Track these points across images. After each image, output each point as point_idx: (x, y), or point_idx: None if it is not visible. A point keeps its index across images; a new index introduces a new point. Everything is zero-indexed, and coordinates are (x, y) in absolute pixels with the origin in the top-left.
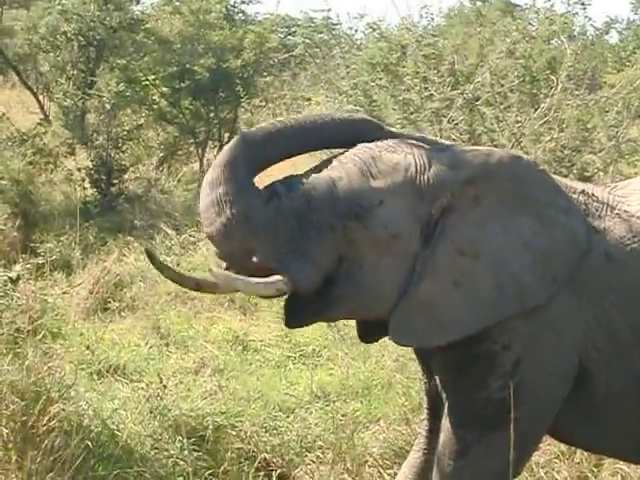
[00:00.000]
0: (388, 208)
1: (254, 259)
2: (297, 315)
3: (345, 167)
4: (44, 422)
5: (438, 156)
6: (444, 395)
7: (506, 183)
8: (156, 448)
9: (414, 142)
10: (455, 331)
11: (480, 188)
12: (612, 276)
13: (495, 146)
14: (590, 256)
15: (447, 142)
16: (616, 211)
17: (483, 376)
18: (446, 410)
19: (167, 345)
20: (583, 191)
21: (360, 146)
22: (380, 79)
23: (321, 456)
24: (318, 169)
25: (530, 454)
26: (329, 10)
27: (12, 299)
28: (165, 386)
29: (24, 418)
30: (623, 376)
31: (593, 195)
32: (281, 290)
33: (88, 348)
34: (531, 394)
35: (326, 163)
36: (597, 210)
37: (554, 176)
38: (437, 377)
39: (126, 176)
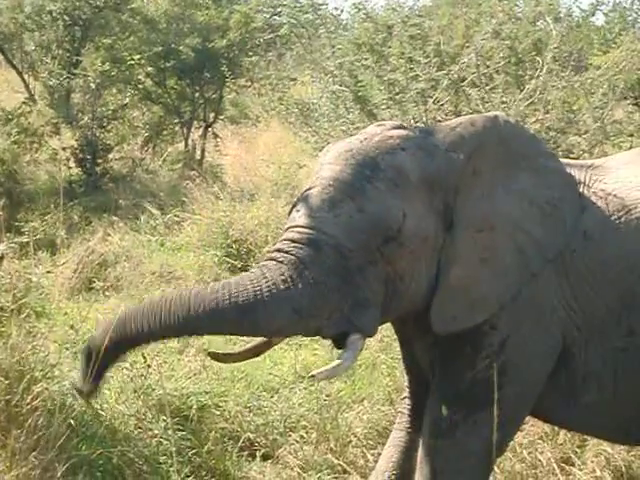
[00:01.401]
0: (412, 217)
1: (324, 335)
2: (373, 331)
3: (354, 191)
4: (28, 401)
5: (432, 143)
6: (431, 375)
7: (496, 147)
8: (140, 427)
9: (401, 135)
10: (491, 303)
11: (475, 161)
12: (590, 255)
13: None
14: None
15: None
16: (592, 189)
17: (470, 356)
18: (432, 389)
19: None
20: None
21: (355, 147)
22: (366, 59)
23: (305, 436)
24: (325, 203)
25: (514, 433)
26: None
27: None
28: (149, 366)
29: (8, 397)
30: (601, 355)
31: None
32: (361, 348)
33: (72, 327)
34: (516, 373)
35: (331, 190)
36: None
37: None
38: (423, 357)
39: (111, 156)
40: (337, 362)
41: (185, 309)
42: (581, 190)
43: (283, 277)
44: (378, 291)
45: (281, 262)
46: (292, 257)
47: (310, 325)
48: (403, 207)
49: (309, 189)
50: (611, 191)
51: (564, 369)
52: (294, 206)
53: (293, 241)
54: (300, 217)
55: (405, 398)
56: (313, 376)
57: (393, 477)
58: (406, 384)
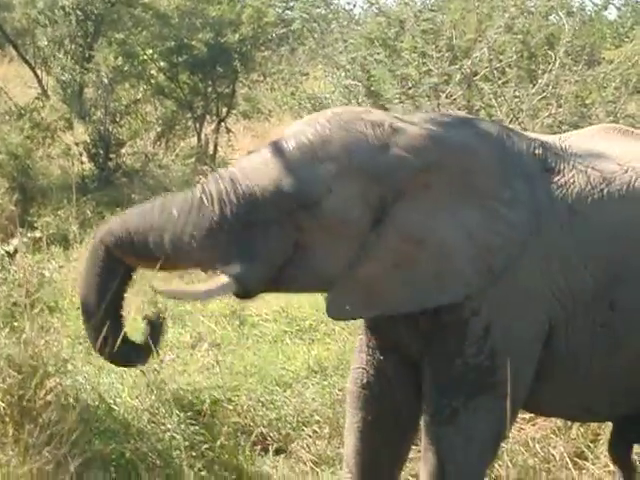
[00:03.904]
0: (337, 195)
1: (202, 268)
2: (251, 284)
3: (292, 154)
4: (41, 396)
5: (394, 139)
6: (421, 364)
7: (456, 174)
8: (153, 422)
9: (372, 121)
10: (385, 308)
11: (431, 177)
12: (577, 230)
13: (493, 121)
14: (555, 212)
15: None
16: (572, 164)
17: (457, 343)
18: (427, 377)
19: (164, 319)
20: (542, 144)
21: (313, 121)
22: (378, 54)
23: (318, 431)
24: (267, 154)
25: (515, 415)
26: None
27: (9, 273)
28: (162, 360)
29: (21, 392)
30: (581, 333)
31: (550, 149)
32: (230, 292)
33: None
34: (507, 357)
35: (281, 147)
36: (556, 165)
37: (513, 130)
38: (410, 346)
39: (124, 150)
40: (189, 288)
41: None
42: (563, 166)
43: (190, 202)
44: (275, 251)
45: (192, 194)
46: (205, 191)
47: (192, 255)
48: (331, 184)
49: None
50: (589, 164)
51: (547, 349)
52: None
53: (221, 176)
54: (243, 159)
55: (359, 369)
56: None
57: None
58: (362, 352)
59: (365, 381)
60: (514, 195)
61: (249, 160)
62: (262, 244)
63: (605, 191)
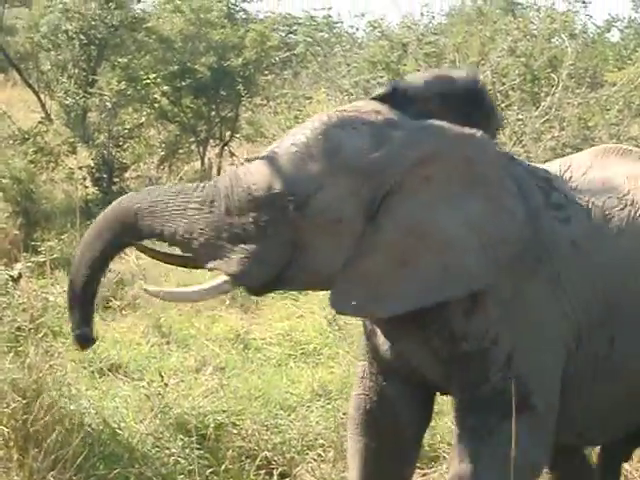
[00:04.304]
0: (327, 193)
1: (200, 264)
2: (250, 283)
3: (286, 153)
4: (45, 420)
5: (390, 133)
6: (444, 386)
7: (457, 164)
8: (157, 446)
9: (368, 117)
10: (394, 305)
11: (431, 168)
12: (580, 264)
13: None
14: (559, 245)
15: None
16: (576, 198)
17: (481, 372)
18: (457, 402)
19: (168, 343)
20: (545, 179)
21: (312, 121)
22: (381, 77)
23: (322, 454)
24: (266, 154)
25: (550, 440)
26: (330, 9)
27: (13, 297)
28: (166, 384)
29: (25, 416)
30: (585, 365)
31: (553, 183)
32: (225, 291)
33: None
34: (536, 382)
35: (275, 146)
36: (558, 200)
37: (517, 159)
38: (429, 371)
39: (127, 174)
40: (188, 289)
41: None
42: (565, 201)
43: (200, 200)
44: (272, 251)
45: (204, 187)
46: (215, 187)
47: (197, 251)
48: (322, 181)
49: None
50: (590, 199)
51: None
52: None
53: (228, 175)
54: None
55: (361, 395)
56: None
57: None
58: (364, 378)
59: (367, 407)
60: (518, 187)
61: (253, 161)
62: (260, 244)
63: (605, 227)
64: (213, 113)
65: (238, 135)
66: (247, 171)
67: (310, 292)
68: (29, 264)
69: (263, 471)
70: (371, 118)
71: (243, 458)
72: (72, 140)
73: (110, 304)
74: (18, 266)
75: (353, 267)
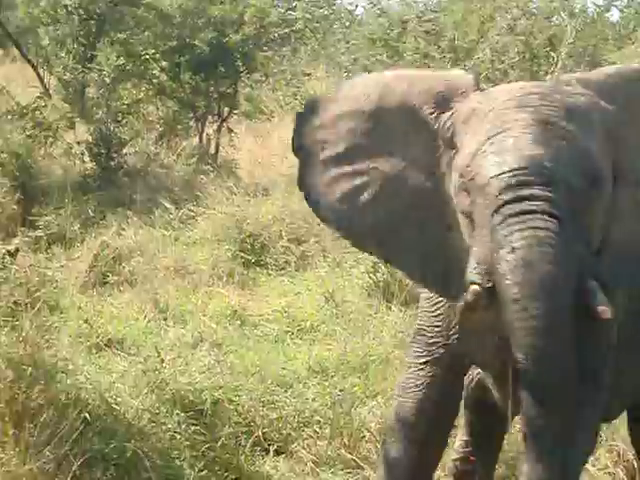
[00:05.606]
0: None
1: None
2: None
3: (559, 130)
4: (42, 395)
5: (596, 96)
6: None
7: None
8: (153, 422)
9: (566, 84)
10: None
11: (631, 110)
12: None
13: None
14: None
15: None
16: None
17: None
18: None
19: (165, 319)
20: None
21: (538, 91)
22: (380, 55)
23: (318, 431)
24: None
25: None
26: None
27: (10, 272)
28: (163, 360)
29: (21, 391)
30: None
31: None
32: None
33: (86, 321)
34: None
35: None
36: None
37: None
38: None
39: (125, 150)
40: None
41: None
42: None
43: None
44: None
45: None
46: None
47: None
48: (599, 153)
49: (497, 134)
50: None
51: None
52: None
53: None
54: (519, 159)
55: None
56: None
57: None
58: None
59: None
60: None
61: None
62: (592, 232)
63: None
64: (212, 89)
65: (237, 111)
66: None
67: (308, 269)
68: (26, 239)
69: (259, 447)
70: (575, 83)
71: (239, 434)
72: (70, 115)
73: (107, 279)
74: (15, 240)
75: (608, 241)
